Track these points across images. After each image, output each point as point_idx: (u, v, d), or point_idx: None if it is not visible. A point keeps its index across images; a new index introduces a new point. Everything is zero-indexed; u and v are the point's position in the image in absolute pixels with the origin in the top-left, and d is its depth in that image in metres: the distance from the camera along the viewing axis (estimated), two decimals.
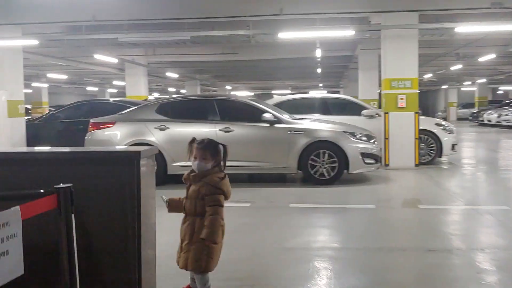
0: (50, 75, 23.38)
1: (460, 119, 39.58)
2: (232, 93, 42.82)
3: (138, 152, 2.95)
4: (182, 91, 34.45)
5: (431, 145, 11.05)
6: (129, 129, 8.72)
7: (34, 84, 26.88)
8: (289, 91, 45.68)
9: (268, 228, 5.65)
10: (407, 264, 4.39)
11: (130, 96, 18.94)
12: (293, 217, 6.16)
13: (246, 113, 8.81)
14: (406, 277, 4.11)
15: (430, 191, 7.95)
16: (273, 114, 8.52)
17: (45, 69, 22.43)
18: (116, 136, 8.68)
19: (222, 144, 3.45)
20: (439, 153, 11.05)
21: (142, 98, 18.61)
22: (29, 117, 24.67)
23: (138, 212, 2.99)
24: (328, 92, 51.22)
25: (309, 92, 50.00)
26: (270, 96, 55.14)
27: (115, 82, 27.81)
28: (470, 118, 33.84)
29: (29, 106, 30.16)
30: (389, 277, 4.05)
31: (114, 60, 15.88)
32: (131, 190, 2.95)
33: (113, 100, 13.43)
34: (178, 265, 3.27)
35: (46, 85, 27.83)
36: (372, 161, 8.64)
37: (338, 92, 48.08)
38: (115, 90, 35.96)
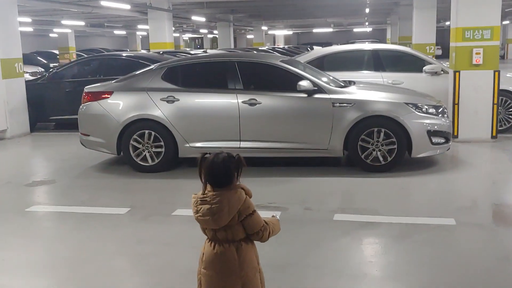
0: (66, 22, 21.58)
1: None
2: (270, 32, 40.24)
3: None
4: (215, 31, 32.22)
5: (511, 109, 8.85)
6: (130, 101, 6.90)
7: (57, 30, 25.26)
8: (331, 29, 42.68)
9: (301, 277, 3.83)
10: None
11: (153, 43, 17.03)
12: (339, 248, 4.31)
13: (277, 80, 6.84)
14: None
15: None
16: (311, 81, 6.51)
17: (57, 14, 20.63)
18: (114, 109, 6.89)
19: None
20: None
21: (167, 46, 16.73)
22: (56, 64, 23.45)
23: None
24: (373, 30, 47.87)
25: (355, 32, 46.81)
26: (310, 34, 52.20)
27: (141, 26, 25.83)
28: None
29: (56, 52, 28.87)
30: None
31: (125, 7, 13.87)
32: None
33: (126, 55, 11.58)
34: None
35: (69, 30, 26.12)
36: (442, 141, 6.61)
37: (384, 30, 44.73)
38: (144, 33, 34.01)
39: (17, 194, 6.26)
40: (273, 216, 2.83)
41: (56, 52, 28.44)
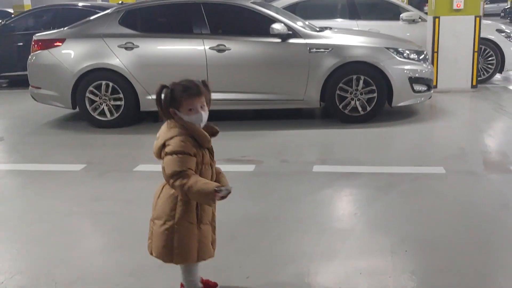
0: None
1: (488, 15, 35.89)
2: None
3: None
4: None
5: (490, 58, 8.51)
6: (84, 49, 6.23)
7: None
8: None
9: (281, 232, 3.39)
10: None
11: None
12: (320, 201, 3.87)
13: (248, 23, 6.29)
14: None
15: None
16: (286, 25, 5.96)
17: None
18: (67, 59, 6.22)
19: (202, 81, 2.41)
20: (500, 68, 8.54)
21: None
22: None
23: None
24: None
25: None
26: None
27: None
28: (502, 14, 30.36)
29: (10, 10, 27.21)
30: None
31: None
32: None
33: (82, 5, 10.71)
34: None
35: None
36: (424, 88, 6.21)
37: None
38: None
39: None
40: (229, 187, 2.23)
41: (11, 10, 26.82)
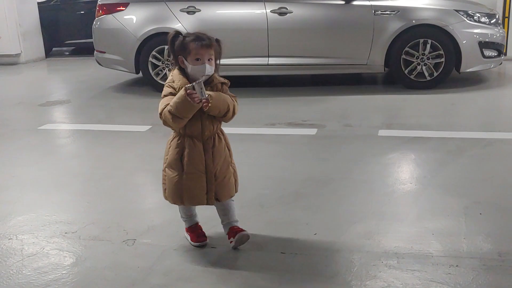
0: None
1: None
2: None
3: None
4: None
5: None
6: (147, 13, 6.29)
7: None
8: None
9: (349, 192, 3.33)
10: None
11: None
12: (388, 163, 3.77)
13: None
14: None
15: None
16: None
17: None
18: (130, 23, 6.31)
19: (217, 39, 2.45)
20: None
21: None
22: None
23: None
24: None
25: None
26: None
27: None
28: None
29: None
30: None
31: None
32: None
33: None
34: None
35: None
36: (494, 54, 5.92)
37: None
38: None
39: (30, 113, 5.82)
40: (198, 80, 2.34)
41: None
